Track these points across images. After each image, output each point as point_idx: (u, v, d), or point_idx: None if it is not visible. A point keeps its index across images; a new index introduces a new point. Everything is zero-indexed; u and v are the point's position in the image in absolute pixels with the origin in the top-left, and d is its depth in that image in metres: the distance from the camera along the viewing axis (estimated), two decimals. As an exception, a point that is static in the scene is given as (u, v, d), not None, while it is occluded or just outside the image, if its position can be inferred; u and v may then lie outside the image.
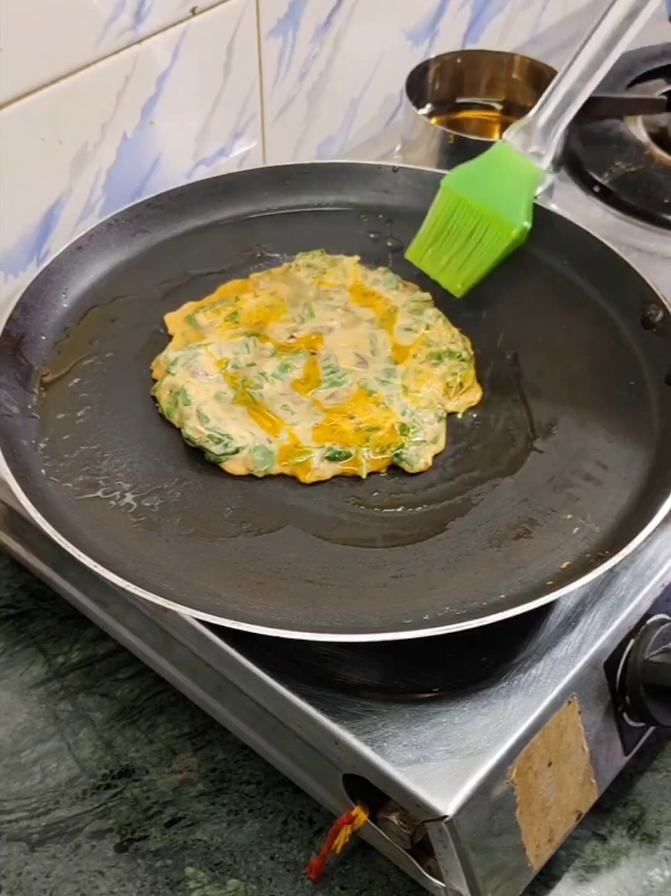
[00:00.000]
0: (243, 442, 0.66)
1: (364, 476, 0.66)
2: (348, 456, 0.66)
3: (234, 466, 0.66)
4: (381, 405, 0.68)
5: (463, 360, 0.72)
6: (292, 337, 0.73)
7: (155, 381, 0.71)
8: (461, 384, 0.71)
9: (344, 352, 0.72)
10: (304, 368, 0.71)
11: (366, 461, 0.66)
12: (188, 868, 0.64)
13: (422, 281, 0.79)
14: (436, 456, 0.68)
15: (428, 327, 0.74)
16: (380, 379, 0.70)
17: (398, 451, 0.66)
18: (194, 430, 0.67)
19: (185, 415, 0.67)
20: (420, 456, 0.67)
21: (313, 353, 0.72)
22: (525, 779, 0.57)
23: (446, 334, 0.74)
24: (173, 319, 0.75)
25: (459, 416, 0.71)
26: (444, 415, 0.70)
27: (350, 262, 0.79)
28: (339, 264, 0.78)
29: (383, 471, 0.67)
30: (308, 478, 0.66)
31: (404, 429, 0.67)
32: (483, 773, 0.55)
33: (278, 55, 0.89)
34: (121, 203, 0.81)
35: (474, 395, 0.72)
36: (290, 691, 0.58)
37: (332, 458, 0.66)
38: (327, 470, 0.66)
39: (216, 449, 0.66)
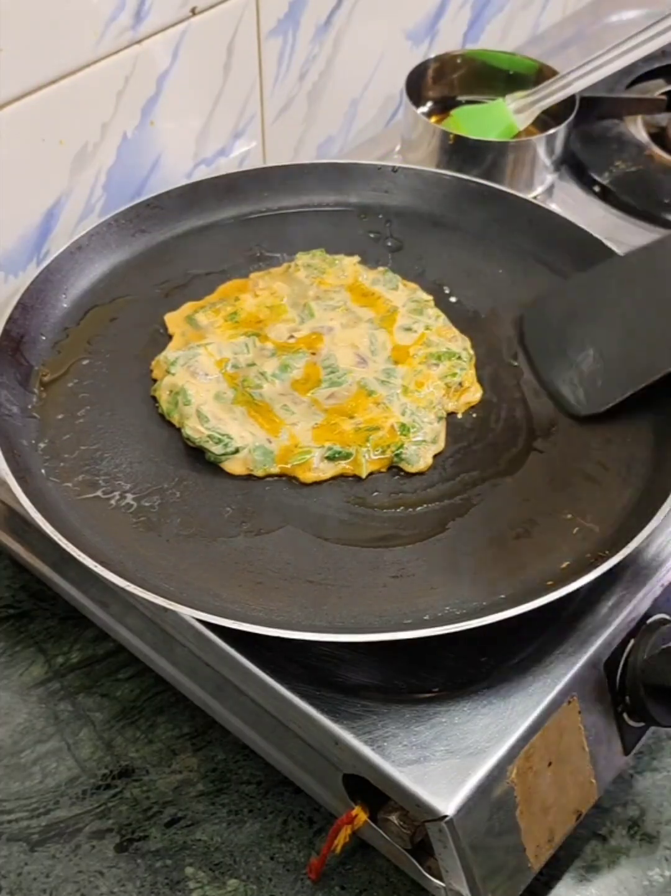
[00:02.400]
0: (243, 442, 0.66)
1: (364, 476, 0.66)
2: (348, 456, 0.66)
3: (233, 466, 0.66)
4: (381, 405, 0.68)
5: (462, 359, 0.72)
6: (292, 337, 0.73)
7: (155, 381, 0.71)
8: (461, 384, 0.71)
9: (344, 352, 0.72)
10: (303, 368, 0.71)
11: (367, 461, 0.66)
12: (188, 868, 0.64)
13: (423, 282, 0.79)
14: (436, 456, 0.68)
15: (428, 327, 0.74)
16: (380, 379, 0.70)
17: (398, 451, 0.66)
18: (194, 430, 0.67)
19: (185, 415, 0.67)
20: (420, 456, 0.67)
21: (313, 353, 0.72)
22: (525, 779, 0.57)
23: (446, 334, 0.74)
24: (173, 319, 0.75)
25: (459, 416, 0.70)
26: (444, 415, 0.70)
27: (350, 262, 0.78)
28: (339, 264, 0.78)
29: (383, 470, 0.67)
30: (308, 477, 0.66)
31: (404, 429, 0.67)
32: (483, 773, 0.55)
33: (278, 55, 0.89)
34: (121, 203, 0.81)
35: (474, 394, 0.71)
36: (290, 691, 0.58)
37: (331, 458, 0.66)
38: (327, 469, 0.66)
39: (216, 449, 0.66)
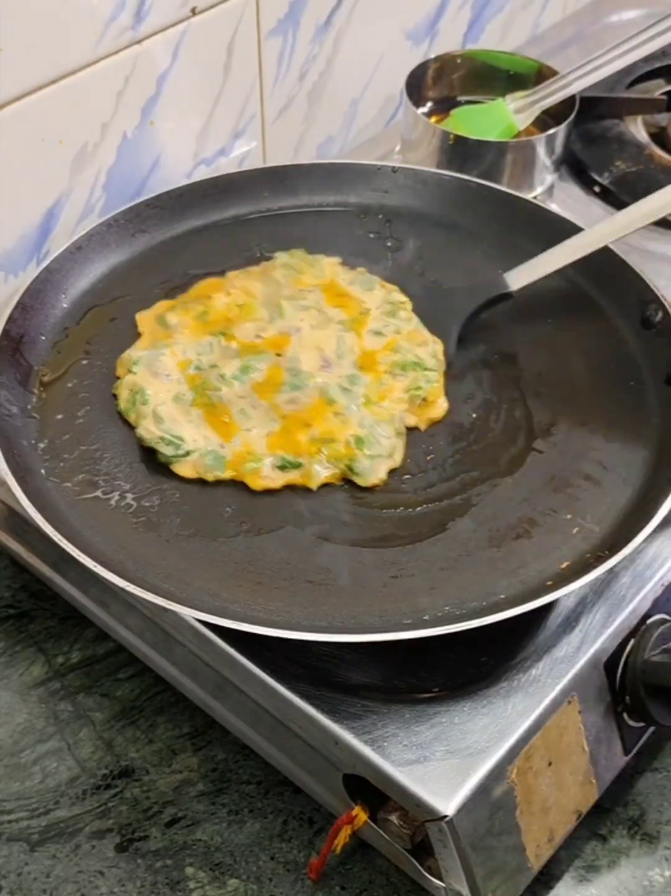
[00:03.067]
0: (195, 445, 0.66)
1: (315, 488, 0.65)
2: (299, 466, 0.65)
3: (183, 469, 0.65)
4: (340, 416, 0.67)
5: (429, 370, 0.70)
6: (259, 337, 0.72)
7: (118, 378, 0.71)
8: (425, 399, 0.69)
9: (309, 354, 0.70)
10: (266, 370, 0.69)
11: (317, 474, 0.65)
12: (188, 868, 0.64)
13: (423, 281, 0.78)
14: (393, 471, 0.66)
15: (398, 331, 0.72)
16: (343, 386, 0.69)
17: (351, 465, 0.65)
18: (147, 430, 0.66)
19: (142, 414, 0.67)
20: (374, 470, 0.65)
21: (278, 354, 0.70)
22: (525, 779, 0.57)
23: (417, 339, 0.72)
24: (144, 318, 0.74)
25: (423, 430, 0.69)
26: (404, 430, 0.68)
27: (328, 263, 0.77)
28: (318, 264, 0.77)
29: (336, 483, 0.66)
30: (258, 485, 0.65)
31: (359, 442, 0.66)
32: (483, 773, 0.55)
33: (278, 55, 0.89)
34: (121, 203, 0.81)
35: (438, 410, 0.69)
36: (290, 691, 0.58)
37: (282, 468, 0.65)
38: (277, 479, 0.65)
39: (167, 451, 0.65)
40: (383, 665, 0.60)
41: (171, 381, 0.69)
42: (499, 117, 0.90)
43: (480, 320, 0.76)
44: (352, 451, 0.66)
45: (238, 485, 0.66)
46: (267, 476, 0.65)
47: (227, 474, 0.65)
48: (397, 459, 0.67)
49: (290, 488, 0.66)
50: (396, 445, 0.67)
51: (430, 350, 0.72)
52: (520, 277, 0.74)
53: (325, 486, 0.66)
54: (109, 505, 0.65)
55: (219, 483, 0.66)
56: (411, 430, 0.69)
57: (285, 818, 0.66)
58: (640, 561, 0.65)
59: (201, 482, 0.66)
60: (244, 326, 0.72)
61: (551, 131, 0.87)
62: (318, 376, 0.69)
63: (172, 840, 0.65)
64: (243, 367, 0.69)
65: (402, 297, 0.76)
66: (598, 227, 0.74)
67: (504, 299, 0.74)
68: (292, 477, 0.65)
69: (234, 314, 0.73)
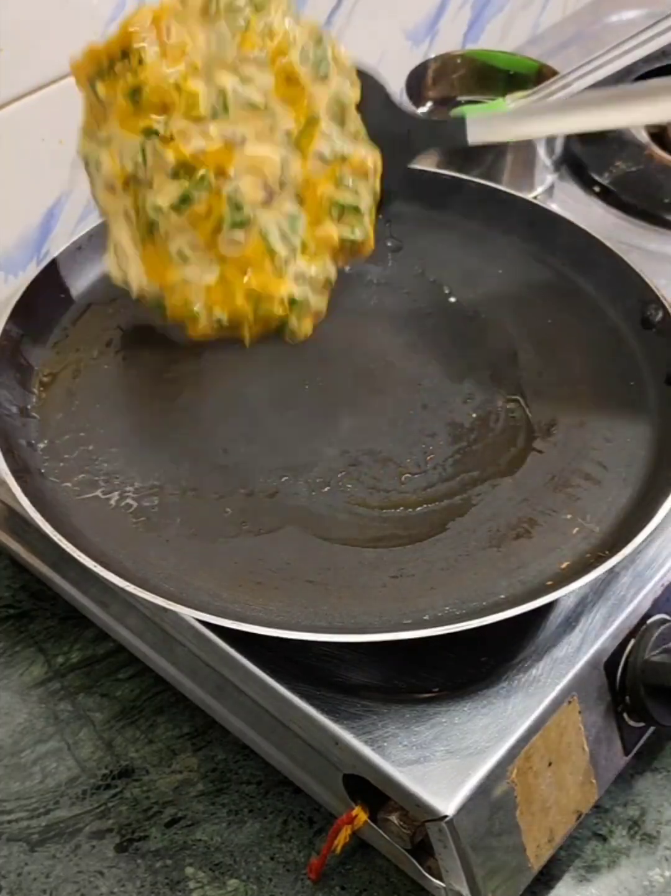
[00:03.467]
0: (140, 290, 0.69)
1: (247, 345, 0.69)
2: (235, 328, 0.69)
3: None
4: (278, 267, 0.68)
5: (364, 215, 0.71)
6: (200, 150, 0.66)
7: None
8: (354, 243, 0.71)
9: (251, 182, 0.67)
10: (206, 200, 0.66)
11: (251, 333, 0.69)
12: (188, 868, 0.64)
13: (423, 282, 0.78)
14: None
15: (344, 158, 0.69)
16: (283, 230, 0.68)
17: (283, 325, 0.69)
18: (112, 270, 0.70)
19: (107, 248, 0.70)
20: (302, 329, 0.70)
21: (218, 176, 0.66)
22: (525, 779, 0.57)
23: (360, 167, 0.71)
24: (78, 70, 0.66)
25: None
26: (333, 282, 0.71)
27: (278, 16, 0.67)
28: (267, 8, 0.67)
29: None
30: (195, 333, 0.69)
31: (294, 303, 0.69)
32: (483, 773, 0.55)
33: (278, 55, 0.89)
34: (121, 203, 0.81)
35: (366, 250, 0.72)
36: (290, 691, 0.58)
37: (219, 325, 0.69)
38: (214, 332, 0.69)
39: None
40: (383, 665, 0.60)
41: (116, 194, 0.68)
42: None
43: (480, 320, 0.76)
44: (287, 313, 0.69)
45: (238, 483, 0.66)
46: (204, 326, 0.69)
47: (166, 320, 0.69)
48: (323, 311, 0.71)
49: (289, 488, 0.66)
50: (323, 301, 0.71)
51: (370, 185, 0.71)
52: (479, 133, 0.72)
53: (325, 484, 0.66)
54: (109, 505, 0.65)
55: (220, 483, 0.66)
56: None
57: (285, 818, 0.66)
58: (640, 561, 0.65)
59: (201, 481, 0.66)
60: (181, 126, 0.65)
61: (551, 131, 0.88)
62: (259, 214, 0.67)
63: (172, 840, 0.65)
64: (183, 196, 0.66)
65: (351, 93, 0.72)
66: (564, 100, 0.76)
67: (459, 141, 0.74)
68: (227, 332, 0.69)
69: (171, 99, 0.65)
